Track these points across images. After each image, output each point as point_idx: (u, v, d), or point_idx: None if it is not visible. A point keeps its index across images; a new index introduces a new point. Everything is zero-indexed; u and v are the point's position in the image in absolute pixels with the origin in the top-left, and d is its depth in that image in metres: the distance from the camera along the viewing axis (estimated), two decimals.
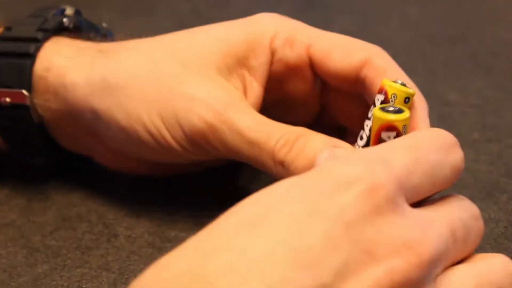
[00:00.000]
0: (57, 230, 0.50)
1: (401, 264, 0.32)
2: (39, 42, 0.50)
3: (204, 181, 0.54)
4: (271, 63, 0.48)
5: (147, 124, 0.47)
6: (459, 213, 0.36)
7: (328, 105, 0.50)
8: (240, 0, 0.81)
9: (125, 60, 0.48)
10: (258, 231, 0.32)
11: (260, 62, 0.48)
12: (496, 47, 0.71)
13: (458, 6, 0.80)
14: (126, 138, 0.48)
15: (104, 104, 0.48)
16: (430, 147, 0.36)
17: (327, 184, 0.33)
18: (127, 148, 0.49)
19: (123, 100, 0.47)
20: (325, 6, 0.80)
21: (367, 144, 0.42)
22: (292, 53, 0.48)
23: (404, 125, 0.40)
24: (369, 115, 0.43)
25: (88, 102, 0.48)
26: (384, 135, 0.40)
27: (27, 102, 0.50)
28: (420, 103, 0.45)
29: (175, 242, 0.49)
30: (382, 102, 0.43)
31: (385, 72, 0.46)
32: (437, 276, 0.34)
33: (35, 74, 0.50)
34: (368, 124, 0.43)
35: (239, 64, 0.48)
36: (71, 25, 0.52)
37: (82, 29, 0.53)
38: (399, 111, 0.40)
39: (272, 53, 0.48)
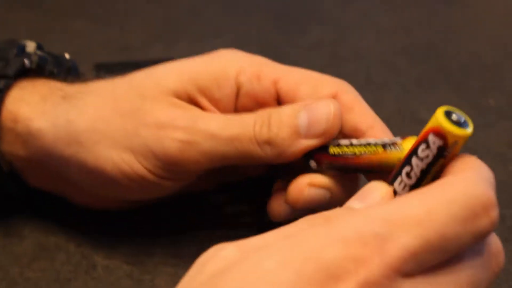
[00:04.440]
0: (35, 260, 0.51)
1: None
2: (1, 92, 0.50)
3: (183, 205, 0.54)
4: (237, 96, 0.49)
5: (117, 162, 0.47)
6: (470, 274, 0.35)
7: None
8: (212, 9, 0.81)
9: (88, 105, 0.48)
10: None
11: (224, 94, 0.49)
12: (467, 60, 0.72)
13: (432, 15, 0.80)
14: (97, 180, 0.48)
15: (71, 150, 0.48)
16: (448, 219, 0.33)
17: (317, 274, 0.32)
18: (100, 190, 0.50)
19: (89, 144, 0.47)
20: (299, 16, 0.80)
21: (416, 185, 0.39)
22: (259, 87, 0.48)
23: (455, 141, 0.37)
24: (422, 154, 0.39)
25: (55, 148, 0.48)
26: (431, 138, 0.37)
27: None
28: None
29: (153, 274, 0.49)
30: (392, 143, 0.44)
31: (352, 109, 0.47)
32: None
33: (3, 125, 0.50)
34: (419, 164, 0.39)
35: (200, 93, 0.48)
36: (33, 66, 0.52)
37: (45, 66, 0.52)
38: (464, 124, 0.37)
39: (238, 88, 0.49)
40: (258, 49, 0.73)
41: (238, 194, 0.55)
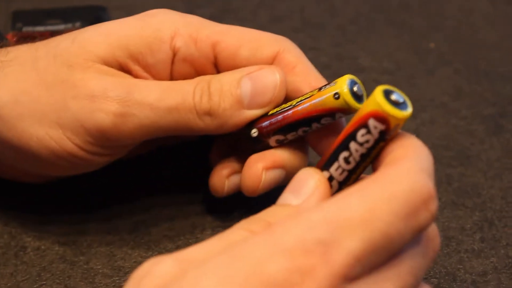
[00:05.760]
0: None
1: None
2: None
3: (116, 173, 0.51)
4: (173, 62, 0.46)
5: (43, 138, 0.44)
6: (411, 265, 0.33)
7: None
8: None
9: (9, 76, 0.44)
10: None
11: (158, 60, 0.45)
12: None
13: None
14: (22, 157, 0.45)
15: None
16: (391, 217, 0.32)
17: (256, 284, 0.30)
18: (25, 167, 0.46)
19: (12, 119, 0.44)
20: None
21: (355, 169, 0.37)
22: (197, 51, 0.45)
23: (397, 124, 0.35)
24: (362, 139, 0.36)
25: None
26: (372, 122, 0.35)
27: None
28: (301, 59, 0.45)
29: (88, 255, 0.46)
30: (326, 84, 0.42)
31: (294, 68, 0.45)
32: None
33: None
34: (358, 149, 0.37)
35: (131, 59, 0.45)
36: None
37: None
38: (403, 105, 0.35)
39: (174, 52, 0.45)
40: None
41: (175, 158, 0.52)
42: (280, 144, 0.45)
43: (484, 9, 0.68)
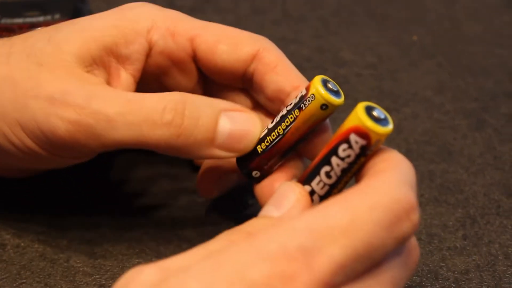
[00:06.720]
0: None
1: None
2: None
3: (92, 166, 0.50)
4: (149, 55, 0.45)
5: (8, 134, 0.43)
6: (392, 275, 0.34)
7: None
8: None
9: None
10: None
11: (132, 50, 0.44)
12: None
13: None
14: None
15: None
16: (373, 226, 0.32)
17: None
18: None
19: None
20: None
21: (337, 183, 0.38)
22: (174, 45, 0.45)
23: (378, 140, 0.35)
24: (343, 154, 0.36)
25: None
26: (353, 137, 0.36)
27: None
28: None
29: (67, 252, 0.46)
30: (301, 99, 0.41)
31: (275, 67, 0.44)
32: None
33: None
34: (339, 164, 0.37)
35: (106, 51, 0.44)
36: None
37: None
38: (384, 121, 0.35)
39: (151, 45, 0.45)
40: None
41: (155, 153, 0.52)
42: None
43: (465, 1, 0.68)
